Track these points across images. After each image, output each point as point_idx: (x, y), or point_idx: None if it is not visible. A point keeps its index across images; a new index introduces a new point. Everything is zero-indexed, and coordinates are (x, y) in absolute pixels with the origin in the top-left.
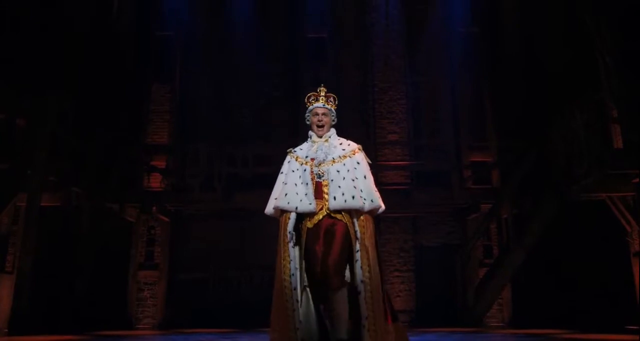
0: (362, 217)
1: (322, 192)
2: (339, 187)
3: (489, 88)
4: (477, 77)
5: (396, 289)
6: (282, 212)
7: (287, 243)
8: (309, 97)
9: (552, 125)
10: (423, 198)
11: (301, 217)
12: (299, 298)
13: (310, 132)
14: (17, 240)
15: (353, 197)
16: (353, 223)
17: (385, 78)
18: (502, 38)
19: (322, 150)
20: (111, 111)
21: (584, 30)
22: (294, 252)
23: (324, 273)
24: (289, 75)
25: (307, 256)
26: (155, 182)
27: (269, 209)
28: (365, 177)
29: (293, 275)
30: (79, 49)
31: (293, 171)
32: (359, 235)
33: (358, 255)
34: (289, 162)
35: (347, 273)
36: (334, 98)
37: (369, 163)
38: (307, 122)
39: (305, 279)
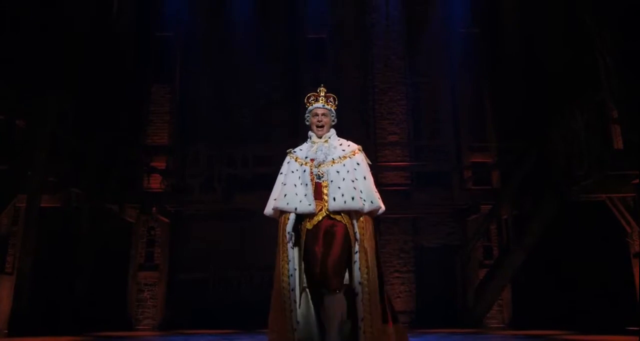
0: (361, 218)
1: (322, 192)
2: (339, 187)
3: (489, 88)
4: (477, 77)
5: (396, 290)
6: (281, 213)
7: (286, 244)
8: (309, 98)
9: (552, 125)
10: (423, 199)
11: (300, 217)
12: (297, 299)
13: (310, 133)
14: (17, 241)
15: (353, 198)
16: (352, 225)
17: (385, 79)
18: (502, 38)
19: (321, 150)
20: (111, 112)
21: (584, 30)
22: (293, 253)
23: (323, 274)
24: (289, 76)
25: (306, 257)
26: (155, 182)
27: (268, 210)
28: (365, 178)
29: (292, 275)
30: (79, 49)
31: (292, 172)
32: (358, 236)
33: (357, 257)
34: (288, 162)
35: (346, 275)
36: (333, 98)
37: (369, 164)
38: (307, 123)
39: (305, 280)
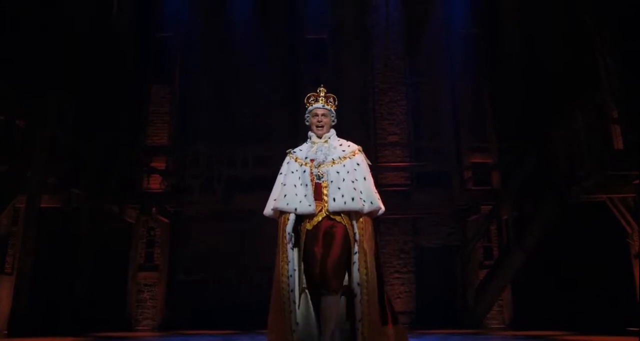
0: (361, 219)
1: (322, 193)
2: (339, 188)
3: (489, 89)
4: (477, 77)
5: (396, 290)
6: (281, 213)
7: (286, 244)
8: (309, 98)
9: (552, 125)
10: (423, 200)
11: (300, 218)
12: (297, 300)
13: (309, 133)
14: (16, 241)
15: (353, 199)
16: (352, 225)
17: (385, 79)
18: (502, 38)
19: (321, 151)
20: (111, 112)
21: (584, 30)
22: (293, 254)
23: (323, 275)
24: (289, 76)
25: (306, 258)
26: (155, 183)
27: (268, 210)
28: (365, 179)
29: (291, 276)
30: (79, 49)
31: (292, 172)
32: (357, 237)
33: (356, 257)
34: (288, 162)
35: (346, 276)
36: (333, 98)
37: (368, 165)
38: (307, 123)
39: (304, 281)
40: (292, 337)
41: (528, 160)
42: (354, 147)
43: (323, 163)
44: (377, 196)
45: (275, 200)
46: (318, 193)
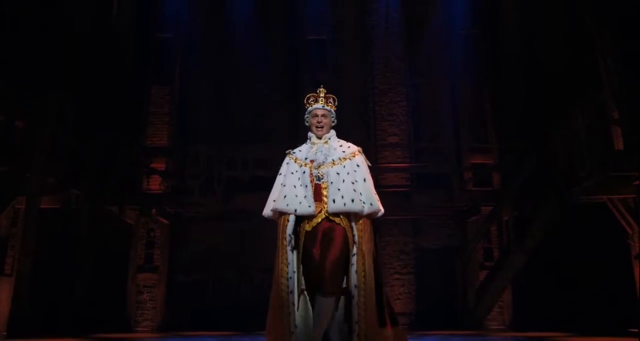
0: (360, 221)
1: (321, 194)
2: (339, 189)
3: (489, 89)
4: (477, 78)
5: (396, 292)
6: (280, 214)
7: (286, 246)
8: (309, 98)
9: (552, 126)
10: (423, 201)
11: (299, 219)
12: (296, 302)
13: (309, 134)
14: (16, 243)
15: (352, 201)
16: (351, 227)
17: (385, 80)
18: (502, 39)
19: (321, 151)
20: (111, 113)
21: (584, 30)
22: (292, 255)
23: (320, 276)
24: (289, 76)
25: (304, 259)
26: (155, 184)
27: (267, 211)
28: (365, 180)
29: (290, 278)
30: (79, 49)
31: (292, 173)
32: (356, 239)
33: (354, 259)
34: (287, 163)
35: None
36: (333, 99)
37: (368, 166)
38: (307, 124)
39: (303, 282)
40: (291, 339)
41: (528, 161)
42: (354, 148)
43: (323, 164)
44: (376, 198)
45: (274, 201)
46: (317, 194)
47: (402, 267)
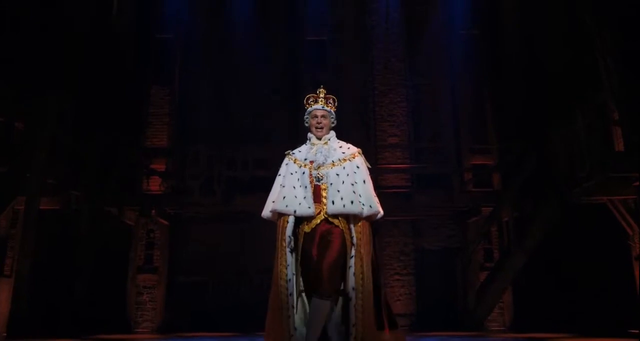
0: (359, 223)
1: (320, 195)
2: (338, 191)
3: (490, 90)
4: (477, 78)
5: (396, 293)
6: (279, 215)
7: (285, 247)
8: (308, 99)
9: (552, 126)
10: (423, 201)
11: (298, 220)
12: (295, 304)
13: (309, 134)
14: (15, 244)
15: (352, 202)
16: (350, 229)
17: (385, 80)
18: (502, 39)
19: (321, 152)
20: (110, 113)
21: (584, 30)
22: (292, 257)
23: (317, 278)
24: (289, 77)
25: (303, 261)
26: (155, 185)
27: (266, 212)
28: (364, 182)
29: (289, 280)
30: (79, 49)
31: (291, 173)
32: (355, 241)
33: (352, 262)
34: (287, 164)
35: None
36: (333, 99)
37: (368, 168)
38: (306, 124)
39: (302, 284)
40: None
41: (528, 161)
42: (354, 149)
43: (322, 165)
44: (376, 200)
45: (273, 201)
46: (317, 195)
47: (402, 268)
